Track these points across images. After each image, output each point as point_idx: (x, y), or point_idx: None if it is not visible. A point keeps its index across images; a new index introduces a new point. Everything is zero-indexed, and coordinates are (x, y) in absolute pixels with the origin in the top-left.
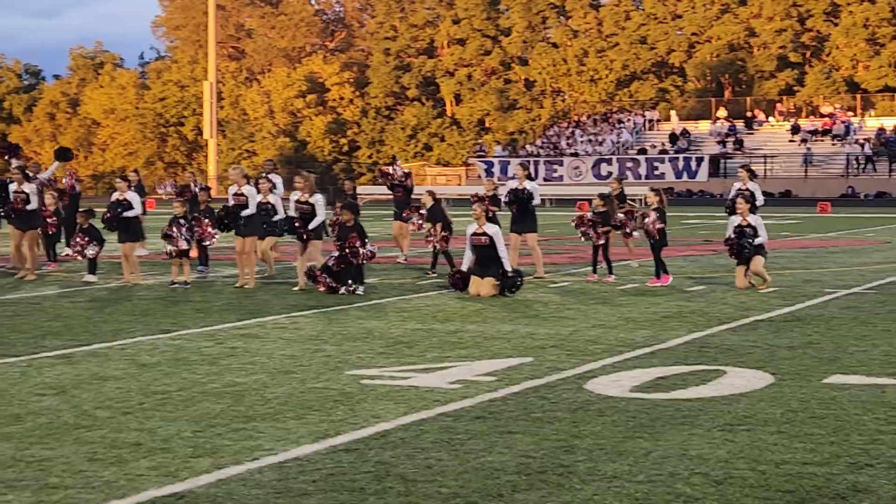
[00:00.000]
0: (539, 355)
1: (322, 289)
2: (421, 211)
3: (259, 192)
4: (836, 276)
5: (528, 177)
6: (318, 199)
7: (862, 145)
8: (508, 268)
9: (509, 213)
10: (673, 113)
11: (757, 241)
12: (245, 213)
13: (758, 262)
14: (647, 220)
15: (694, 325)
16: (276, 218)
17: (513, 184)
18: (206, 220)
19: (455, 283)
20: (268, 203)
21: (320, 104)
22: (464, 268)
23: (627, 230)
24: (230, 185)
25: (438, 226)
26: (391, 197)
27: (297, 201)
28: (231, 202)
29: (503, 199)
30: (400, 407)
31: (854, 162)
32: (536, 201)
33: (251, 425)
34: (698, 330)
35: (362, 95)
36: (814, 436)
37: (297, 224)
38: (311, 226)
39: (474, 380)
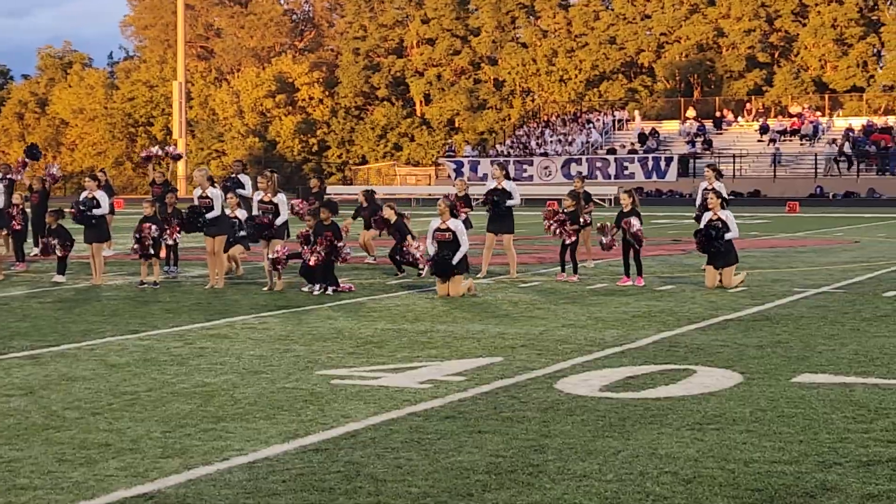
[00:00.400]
0: (509, 355)
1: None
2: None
3: (225, 199)
4: (804, 276)
5: (507, 176)
6: (282, 199)
7: (841, 145)
8: (455, 260)
9: (485, 213)
10: (637, 113)
11: (728, 235)
12: (210, 215)
13: (729, 276)
14: (632, 227)
15: (663, 325)
16: (241, 233)
17: (491, 184)
18: (175, 222)
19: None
20: (235, 218)
21: (290, 104)
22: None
23: (604, 242)
24: (195, 188)
25: (409, 238)
26: (357, 199)
27: (261, 201)
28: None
29: (480, 199)
30: (370, 407)
31: (834, 163)
32: (516, 201)
33: (221, 426)
34: (668, 329)
35: (332, 95)
36: (782, 434)
37: (258, 223)
38: (277, 223)
39: (444, 380)
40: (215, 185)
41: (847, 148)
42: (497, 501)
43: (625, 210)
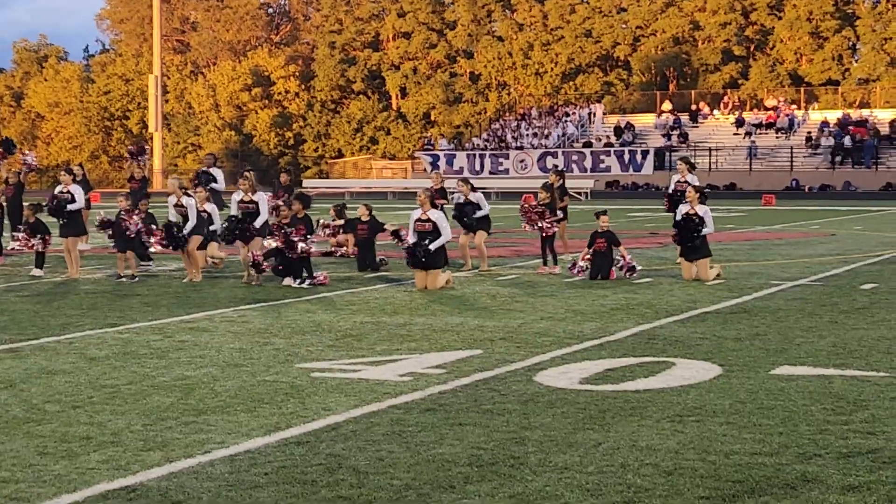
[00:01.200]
0: (488, 348)
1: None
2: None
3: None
4: (781, 269)
5: (473, 189)
6: (262, 197)
7: (840, 137)
8: (433, 246)
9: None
10: (599, 110)
11: (703, 231)
12: (188, 227)
13: (705, 269)
14: (625, 261)
15: (642, 317)
16: (212, 227)
17: (458, 198)
18: (156, 229)
19: (411, 257)
20: (204, 211)
21: (266, 98)
22: None
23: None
24: (170, 196)
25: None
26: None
27: (241, 201)
28: (171, 214)
29: (452, 205)
30: (350, 399)
31: (829, 156)
32: (485, 211)
33: (202, 418)
34: (646, 322)
35: (308, 89)
36: (762, 426)
37: (240, 227)
38: (257, 224)
39: (424, 372)
40: (189, 193)
41: (848, 142)
42: (479, 493)
43: (600, 230)
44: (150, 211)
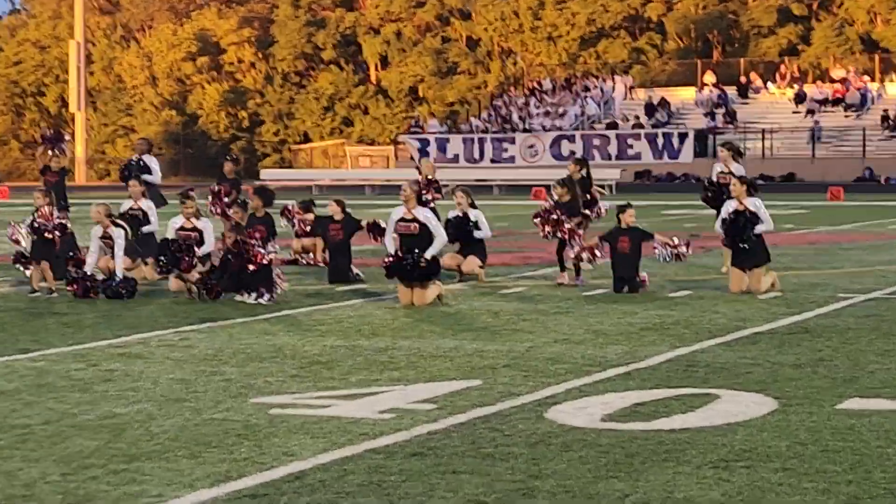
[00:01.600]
0: (489, 377)
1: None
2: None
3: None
4: (851, 279)
5: (472, 205)
6: (207, 225)
7: None
8: (428, 254)
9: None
10: (621, 82)
11: (759, 228)
12: (118, 266)
13: (758, 280)
14: (679, 248)
15: (679, 339)
16: (146, 228)
17: (453, 212)
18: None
19: (389, 270)
20: (139, 209)
21: (214, 69)
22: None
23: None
24: (94, 226)
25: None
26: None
27: (182, 228)
28: (94, 246)
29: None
30: (318, 442)
31: None
32: (486, 233)
33: (134, 466)
34: (684, 345)
35: (266, 58)
36: (827, 473)
37: (177, 254)
38: (200, 253)
39: (409, 408)
40: (118, 223)
41: None
42: None
43: (626, 226)
44: (70, 228)
